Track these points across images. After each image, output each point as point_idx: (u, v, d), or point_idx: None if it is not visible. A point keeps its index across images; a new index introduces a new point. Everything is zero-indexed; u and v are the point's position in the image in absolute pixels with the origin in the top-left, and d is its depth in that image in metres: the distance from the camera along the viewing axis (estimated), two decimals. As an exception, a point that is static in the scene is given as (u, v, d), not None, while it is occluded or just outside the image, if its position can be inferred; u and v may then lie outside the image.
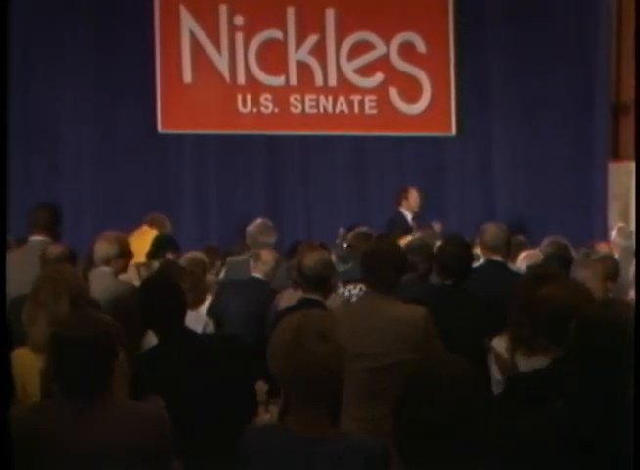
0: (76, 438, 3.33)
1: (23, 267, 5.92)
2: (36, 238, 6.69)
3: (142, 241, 9.37)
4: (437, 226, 10.94)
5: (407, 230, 10.68)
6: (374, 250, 5.29)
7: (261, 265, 7.26)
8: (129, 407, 3.52)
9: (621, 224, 9.32)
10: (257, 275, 7.29)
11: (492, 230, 6.95)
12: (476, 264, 7.38)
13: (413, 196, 11.80)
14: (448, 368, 2.55)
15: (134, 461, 3.34)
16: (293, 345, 2.97)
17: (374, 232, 8.80)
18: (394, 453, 2.58)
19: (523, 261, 7.42)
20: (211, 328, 6.17)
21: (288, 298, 6.57)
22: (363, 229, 8.83)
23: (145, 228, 9.94)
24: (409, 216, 11.72)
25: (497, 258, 6.81)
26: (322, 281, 5.76)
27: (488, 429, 2.49)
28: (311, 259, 5.77)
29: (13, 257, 6.29)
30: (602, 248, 9.59)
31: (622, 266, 7.29)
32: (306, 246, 7.77)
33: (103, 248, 6.47)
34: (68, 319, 3.57)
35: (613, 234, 8.84)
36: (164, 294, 4.89)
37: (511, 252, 7.11)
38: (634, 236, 8.51)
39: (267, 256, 7.33)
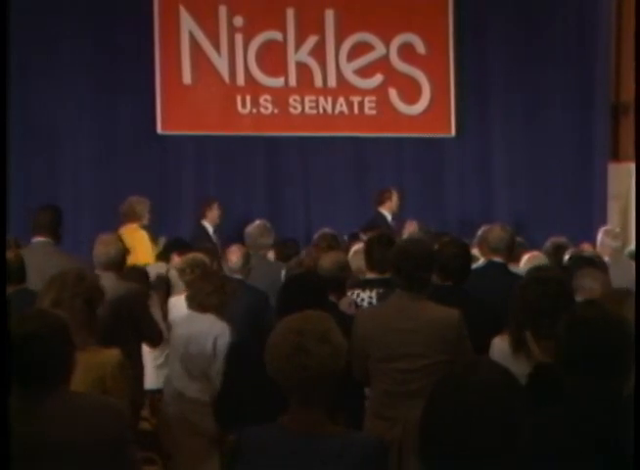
0: (34, 432, 3.34)
1: (27, 268, 5.98)
2: (38, 239, 6.75)
3: (135, 240, 9.40)
4: (413, 225, 11.02)
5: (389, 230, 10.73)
6: (404, 251, 5.23)
7: (232, 266, 7.23)
8: (86, 400, 3.54)
9: (607, 227, 9.26)
10: (234, 276, 7.19)
11: (496, 231, 6.95)
12: (475, 265, 7.38)
13: (395, 198, 11.89)
14: (481, 370, 2.52)
15: (93, 454, 3.36)
16: (294, 347, 2.99)
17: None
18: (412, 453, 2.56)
19: (527, 263, 7.40)
20: (227, 336, 6.09)
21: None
22: (328, 231, 8.81)
23: (132, 226, 9.95)
24: (389, 217, 11.80)
25: (498, 259, 6.81)
26: (337, 283, 5.74)
27: (515, 433, 2.47)
28: (328, 262, 5.75)
29: None
30: (587, 248, 9.59)
31: (615, 266, 7.28)
32: (314, 247, 7.73)
33: (102, 251, 6.49)
34: (22, 316, 3.60)
35: (599, 237, 8.73)
36: (306, 289, 4.77)
37: (513, 254, 7.09)
38: (621, 236, 8.50)
39: (233, 256, 7.29)
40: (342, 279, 5.90)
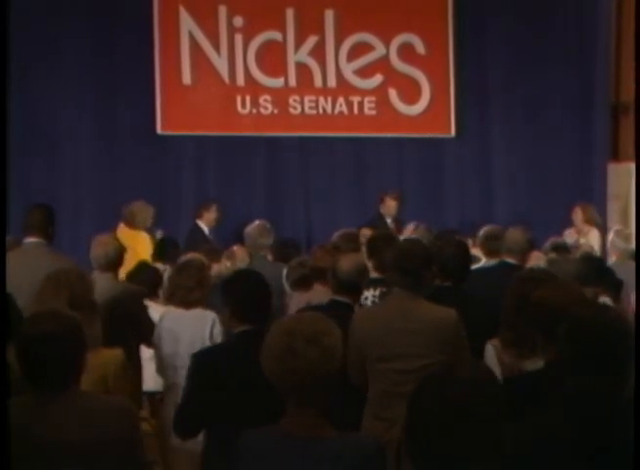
0: (45, 433, 3.35)
1: (19, 269, 5.91)
2: (30, 240, 6.68)
3: (136, 241, 9.40)
4: (410, 229, 11.05)
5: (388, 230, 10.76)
6: (406, 250, 5.25)
7: (238, 263, 7.19)
8: (98, 401, 3.56)
9: (619, 227, 9.25)
10: None
11: (516, 233, 6.99)
12: (484, 264, 7.38)
13: (388, 204, 11.97)
14: (464, 370, 2.54)
15: (105, 454, 3.38)
16: (284, 349, 2.96)
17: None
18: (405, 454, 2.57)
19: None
20: (218, 326, 6.10)
21: (297, 300, 6.57)
22: (349, 230, 8.84)
23: (133, 231, 9.95)
24: (388, 218, 11.86)
25: (511, 260, 6.83)
26: (355, 285, 5.75)
27: (499, 432, 2.48)
28: (347, 264, 5.75)
29: (7, 259, 6.26)
30: (571, 235, 9.58)
31: (620, 268, 7.28)
32: (318, 248, 7.72)
33: (100, 253, 6.49)
34: (34, 316, 3.60)
35: (610, 236, 8.75)
36: (255, 285, 4.71)
37: (526, 258, 7.11)
38: (632, 238, 8.49)
39: (241, 253, 7.26)
40: (360, 282, 5.90)
